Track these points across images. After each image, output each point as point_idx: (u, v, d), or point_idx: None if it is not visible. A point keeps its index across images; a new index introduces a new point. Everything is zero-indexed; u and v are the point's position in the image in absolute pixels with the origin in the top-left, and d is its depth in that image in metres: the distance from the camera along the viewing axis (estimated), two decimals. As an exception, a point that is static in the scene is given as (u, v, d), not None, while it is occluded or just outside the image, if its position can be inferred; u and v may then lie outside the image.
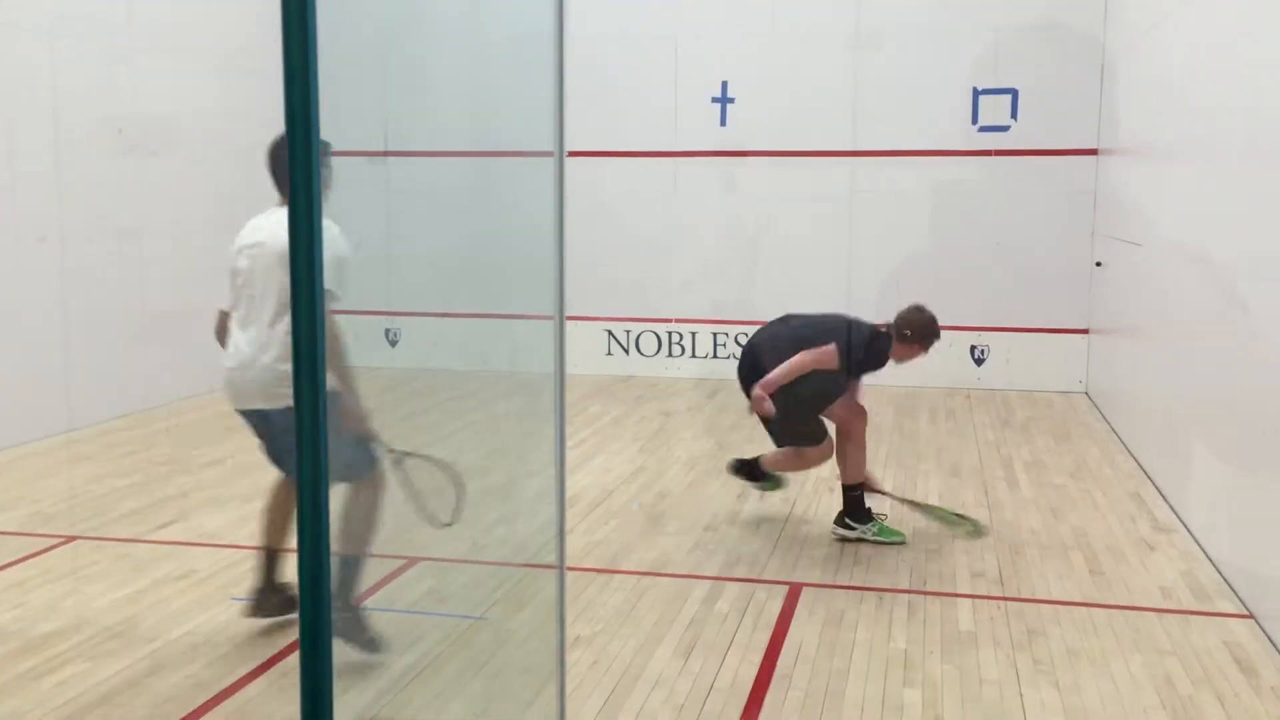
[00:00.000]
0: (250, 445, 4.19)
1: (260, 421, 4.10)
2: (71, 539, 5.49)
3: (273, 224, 3.99)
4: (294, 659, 3.90)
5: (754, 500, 6.05)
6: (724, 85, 9.76)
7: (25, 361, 7.45)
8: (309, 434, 1.87)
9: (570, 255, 2.85)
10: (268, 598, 4.28)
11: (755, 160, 9.69)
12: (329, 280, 3.63)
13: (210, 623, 4.46)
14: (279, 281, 3.85)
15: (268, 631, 4.34)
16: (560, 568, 3.16)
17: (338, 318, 3.83)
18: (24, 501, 6.12)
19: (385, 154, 9.63)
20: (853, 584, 4.92)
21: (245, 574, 4.98)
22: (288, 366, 3.64)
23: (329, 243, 3.70)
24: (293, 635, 4.18)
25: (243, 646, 4.22)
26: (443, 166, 9.49)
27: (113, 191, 8.11)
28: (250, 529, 5.66)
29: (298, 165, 1.76)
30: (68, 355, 7.70)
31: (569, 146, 2.73)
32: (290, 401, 3.78)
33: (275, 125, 1.97)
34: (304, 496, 1.88)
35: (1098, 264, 8.83)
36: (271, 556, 4.28)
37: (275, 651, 4.17)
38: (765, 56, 9.67)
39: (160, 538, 5.53)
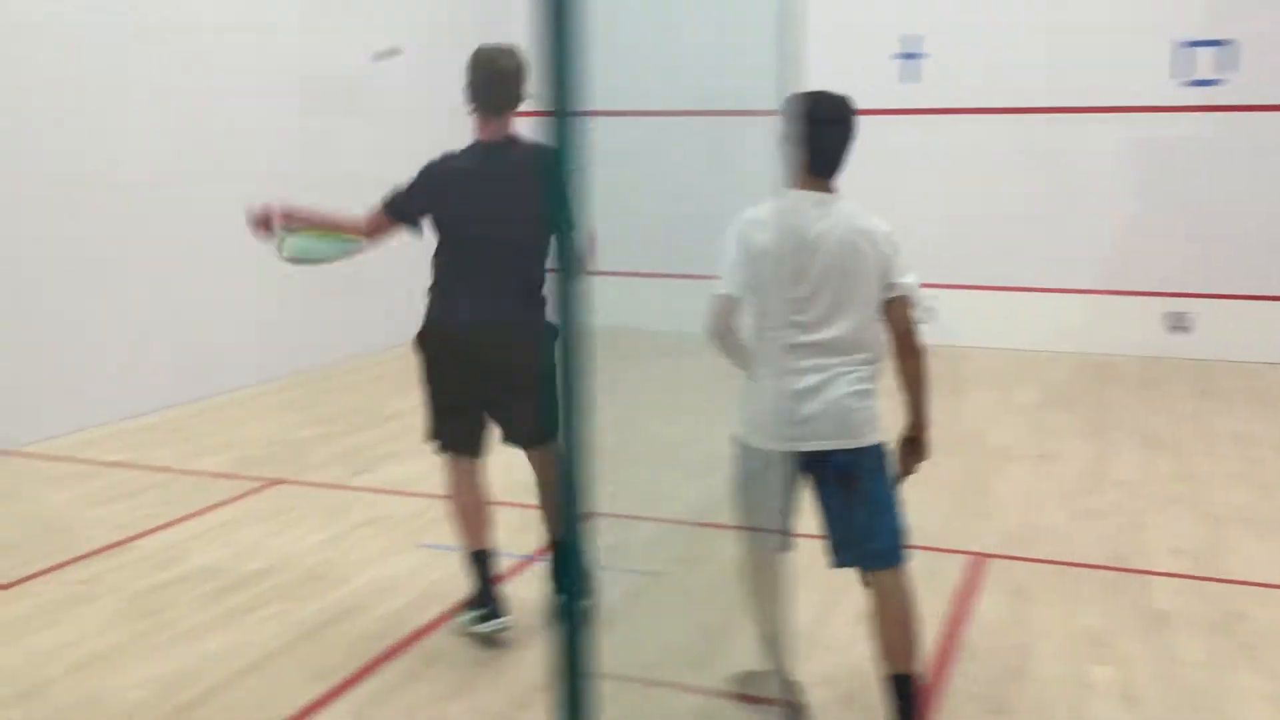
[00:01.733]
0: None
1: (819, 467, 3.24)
2: (275, 483, 5.78)
3: (834, 211, 3.18)
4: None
5: (930, 468, 5.90)
6: (909, 40, 9.48)
7: (229, 312, 7.85)
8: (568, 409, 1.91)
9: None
10: None
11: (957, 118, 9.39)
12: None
13: (402, 566, 4.65)
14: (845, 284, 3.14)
15: (457, 576, 4.48)
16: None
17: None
18: (232, 445, 6.48)
19: (630, 114, 9.68)
20: (1041, 558, 4.76)
21: (432, 521, 5.16)
22: (862, 399, 3.17)
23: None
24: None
25: (431, 591, 4.38)
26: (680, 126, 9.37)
27: (304, 148, 8.43)
28: (436, 480, 5.85)
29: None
30: (283, 307, 8.06)
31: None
32: (863, 439, 3.19)
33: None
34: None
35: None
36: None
37: (466, 596, 4.30)
38: (960, 12, 9.34)
39: (353, 484, 5.78)
